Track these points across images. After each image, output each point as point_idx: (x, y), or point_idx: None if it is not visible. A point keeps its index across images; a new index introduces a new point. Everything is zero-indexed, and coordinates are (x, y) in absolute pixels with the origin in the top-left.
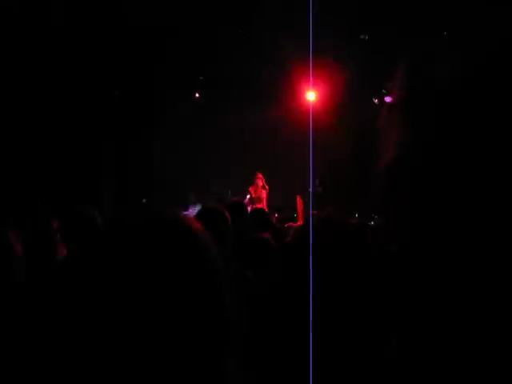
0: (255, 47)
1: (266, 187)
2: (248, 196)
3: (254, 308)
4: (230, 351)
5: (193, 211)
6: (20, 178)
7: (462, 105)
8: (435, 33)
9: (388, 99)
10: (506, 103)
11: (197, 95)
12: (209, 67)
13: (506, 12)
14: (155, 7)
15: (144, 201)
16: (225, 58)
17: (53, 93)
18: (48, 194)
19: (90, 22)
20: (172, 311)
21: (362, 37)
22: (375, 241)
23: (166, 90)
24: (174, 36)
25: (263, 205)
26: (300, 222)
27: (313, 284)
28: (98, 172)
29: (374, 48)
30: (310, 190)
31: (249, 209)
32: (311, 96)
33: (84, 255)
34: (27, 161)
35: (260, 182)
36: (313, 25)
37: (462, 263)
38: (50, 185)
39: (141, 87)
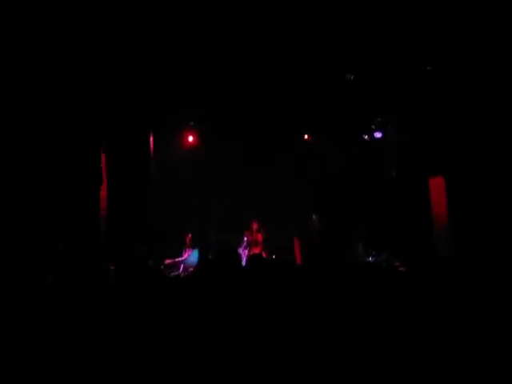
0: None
1: (262, 231)
2: (245, 239)
3: None
4: None
5: (188, 256)
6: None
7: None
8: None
9: (378, 134)
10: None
11: (190, 138)
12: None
13: None
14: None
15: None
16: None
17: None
18: (43, 241)
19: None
20: None
21: (348, 76)
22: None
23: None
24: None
25: (260, 248)
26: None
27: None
28: (93, 220)
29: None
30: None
31: (246, 252)
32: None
33: None
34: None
35: (255, 226)
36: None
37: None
38: (47, 230)
39: (134, 130)
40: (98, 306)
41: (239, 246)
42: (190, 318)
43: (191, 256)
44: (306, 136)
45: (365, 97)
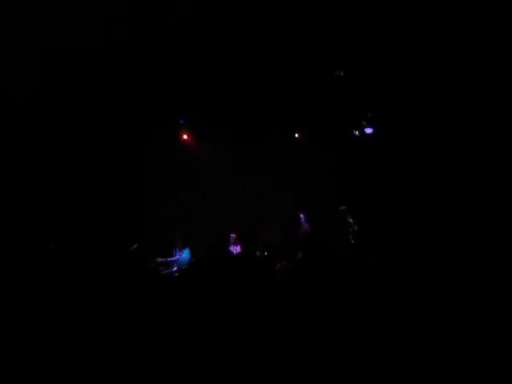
0: None
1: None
2: (234, 235)
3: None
4: None
5: (180, 256)
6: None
7: None
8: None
9: (368, 130)
10: None
11: (185, 137)
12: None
13: None
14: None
15: (135, 246)
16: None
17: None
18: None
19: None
20: None
21: (337, 73)
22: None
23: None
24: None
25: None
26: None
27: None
28: (84, 219)
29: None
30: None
31: (237, 248)
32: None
33: None
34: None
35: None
36: None
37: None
38: (43, 230)
39: (126, 129)
40: (94, 305)
41: (229, 243)
42: (184, 316)
43: (183, 255)
44: (296, 135)
45: (355, 92)
